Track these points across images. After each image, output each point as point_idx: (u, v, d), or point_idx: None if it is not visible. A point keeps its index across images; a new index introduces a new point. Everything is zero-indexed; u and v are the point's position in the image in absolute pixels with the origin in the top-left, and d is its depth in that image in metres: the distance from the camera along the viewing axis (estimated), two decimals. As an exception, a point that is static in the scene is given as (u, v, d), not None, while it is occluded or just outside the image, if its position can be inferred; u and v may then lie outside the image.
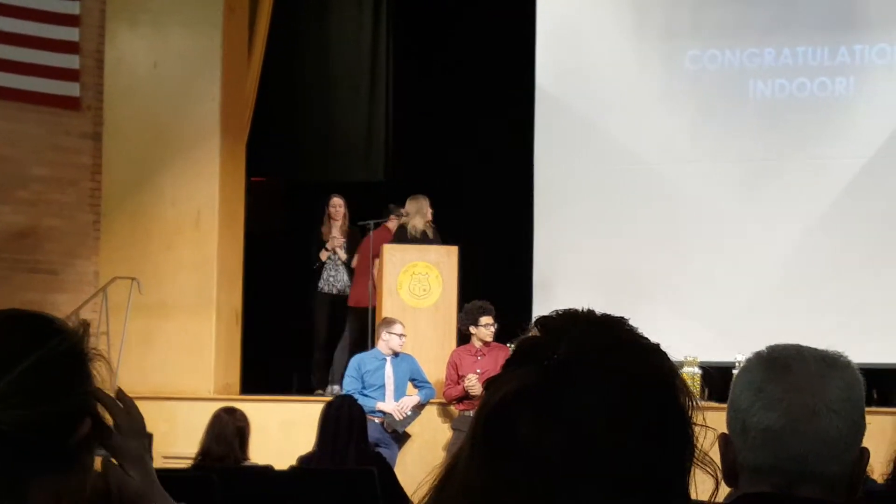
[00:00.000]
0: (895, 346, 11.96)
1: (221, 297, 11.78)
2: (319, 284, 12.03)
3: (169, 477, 7.06)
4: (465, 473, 1.31)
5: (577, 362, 1.29)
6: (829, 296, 12.26)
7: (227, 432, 7.19)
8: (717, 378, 10.41)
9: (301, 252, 12.38)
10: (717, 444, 1.94)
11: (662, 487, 1.29)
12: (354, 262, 11.87)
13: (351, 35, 14.27)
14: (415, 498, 1.39)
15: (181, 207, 11.75)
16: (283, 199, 14.59)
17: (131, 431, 1.80)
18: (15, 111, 11.61)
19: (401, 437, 10.16)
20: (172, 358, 11.45)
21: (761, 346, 2.10)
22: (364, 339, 11.40)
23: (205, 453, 7.20)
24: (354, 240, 12.07)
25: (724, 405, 2.09)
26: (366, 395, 9.88)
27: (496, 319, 10.34)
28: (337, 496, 6.93)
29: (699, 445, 1.35)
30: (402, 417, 10.03)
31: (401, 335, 10.17)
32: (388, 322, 10.27)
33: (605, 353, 1.31)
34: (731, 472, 2.03)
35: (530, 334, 1.36)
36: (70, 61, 11.87)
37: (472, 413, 9.79)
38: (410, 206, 11.48)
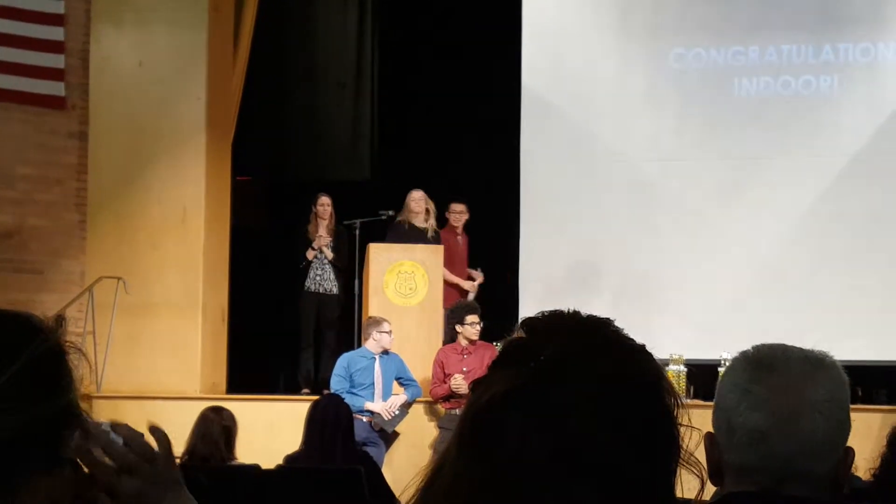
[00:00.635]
0: (879, 344, 12.00)
1: (208, 296, 11.77)
2: (306, 283, 12.03)
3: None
4: (452, 473, 1.31)
5: (564, 364, 1.30)
6: (814, 293, 12.29)
7: (213, 431, 7.18)
8: (702, 376, 10.43)
9: (287, 251, 12.37)
10: (702, 444, 1.95)
11: (649, 487, 1.30)
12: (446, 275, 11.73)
13: (337, 33, 14.26)
14: (402, 498, 1.40)
15: (167, 207, 11.74)
16: (269, 197, 14.57)
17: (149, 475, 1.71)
18: (0, 111, 11.59)
19: (389, 437, 10.17)
20: (158, 357, 11.43)
21: (746, 343, 2.11)
22: None
23: (190, 452, 7.19)
24: (341, 238, 12.08)
25: (710, 403, 2.10)
26: (354, 394, 9.88)
27: (482, 318, 10.36)
28: (324, 495, 6.92)
29: (685, 445, 1.36)
30: (390, 417, 10.04)
31: (390, 333, 10.21)
32: (377, 321, 10.28)
33: (591, 354, 1.32)
34: (716, 471, 2.04)
35: (516, 335, 1.37)
36: (55, 61, 11.84)
37: (459, 412, 9.84)
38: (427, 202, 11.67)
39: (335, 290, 12.03)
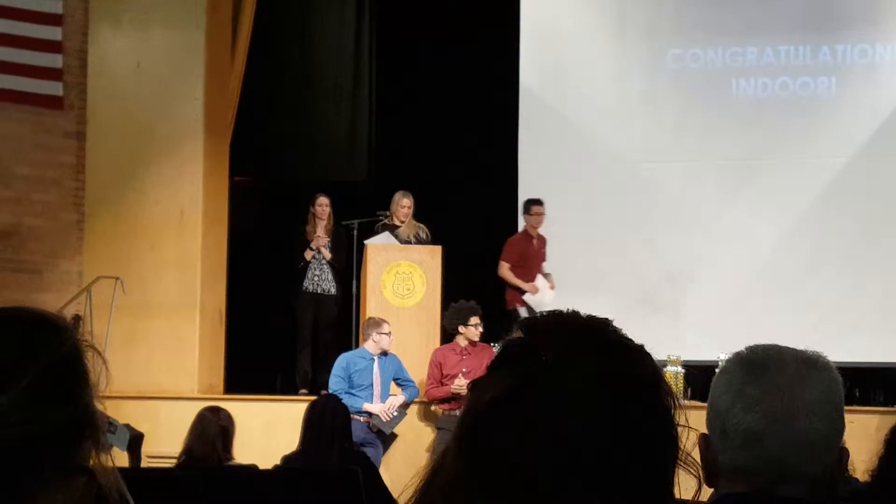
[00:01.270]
0: (877, 345, 12.02)
1: (205, 296, 11.77)
2: (304, 284, 12.02)
3: (153, 477, 7.05)
4: (451, 474, 1.32)
5: (564, 365, 1.30)
6: (812, 294, 12.31)
7: (210, 432, 7.17)
8: (700, 377, 10.43)
9: (285, 251, 12.36)
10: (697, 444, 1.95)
11: (648, 488, 1.31)
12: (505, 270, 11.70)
13: (334, 34, 14.25)
14: (401, 499, 1.40)
15: (165, 207, 11.73)
16: (267, 198, 14.56)
17: None
18: (-3, 111, 11.60)
19: (386, 438, 10.16)
20: (156, 357, 11.43)
21: (744, 344, 2.11)
22: None
23: (188, 453, 7.18)
24: (339, 239, 12.08)
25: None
26: (352, 395, 9.88)
27: (481, 319, 10.37)
28: (321, 496, 6.92)
29: (682, 446, 1.36)
30: (388, 419, 10.04)
31: (389, 334, 10.21)
32: (377, 322, 10.27)
33: (592, 355, 1.32)
34: (711, 472, 2.04)
35: (515, 336, 1.37)
36: (53, 60, 11.84)
37: (457, 413, 9.85)
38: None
39: (333, 291, 12.03)
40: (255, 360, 12.71)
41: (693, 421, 1.42)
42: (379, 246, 11.25)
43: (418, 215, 11.74)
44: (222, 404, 7.81)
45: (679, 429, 1.36)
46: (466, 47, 13.41)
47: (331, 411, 7.44)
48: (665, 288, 12.44)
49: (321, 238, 11.97)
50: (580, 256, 12.59)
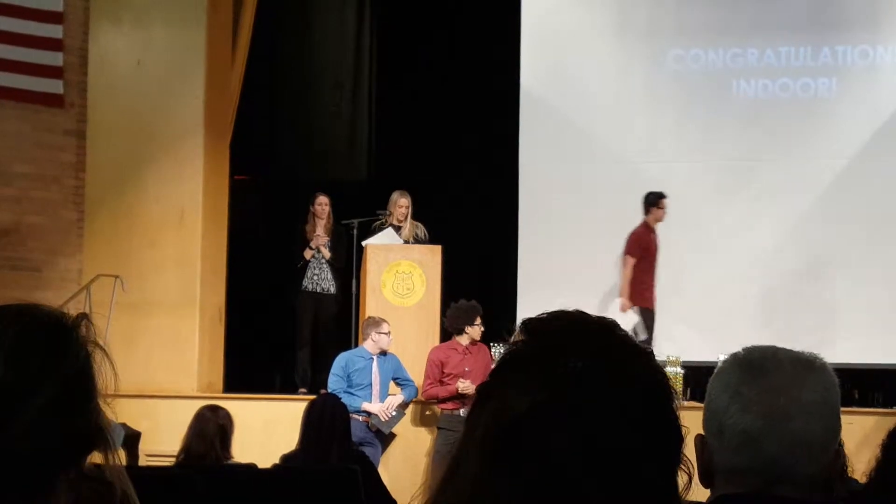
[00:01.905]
0: (876, 346, 12.02)
1: (205, 294, 11.77)
2: (304, 283, 12.02)
3: (152, 475, 7.04)
4: (474, 484, 1.30)
5: (592, 374, 1.30)
6: (811, 295, 12.30)
7: (209, 430, 7.17)
8: (699, 377, 10.43)
9: (285, 250, 12.36)
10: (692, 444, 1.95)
11: (661, 487, 1.31)
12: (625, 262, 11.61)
13: (335, 33, 14.26)
14: (409, 506, 1.39)
15: (165, 205, 11.73)
16: (267, 197, 14.57)
17: None
18: (-2, 108, 11.60)
19: (385, 437, 10.17)
20: (156, 355, 11.43)
21: (743, 345, 2.11)
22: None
23: (186, 451, 7.18)
24: (339, 238, 12.07)
25: (705, 405, 2.10)
26: (351, 394, 9.88)
27: (482, 319, 10.39)
28: (320, 495, 6.92)
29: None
30: (387, 418, 10.04)
31: (389, 333, 10.21)
32: (377, 322, 10.27)
33: (614, 361, 1.32)
34: (707, 473, 2.04)
35: (518, 336, 1.36)
36: (53, 58, 11.83)
37: (458, 412, 9.87)
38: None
39: (332, 290, 12.03)
40: (254, 359, 12.72)
41: (693, 421, 1.43)
42: (379, 245, 11.24)
43: (418, 215, 11.74)
44: (221, 403, 7.81)
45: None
46: (466, 47, 13.41)
47: (330, 410, 7.43)
48: (665, 288, 12.42)
49: (321, 237, 11.97)
50: (580, 256, 12.59)
